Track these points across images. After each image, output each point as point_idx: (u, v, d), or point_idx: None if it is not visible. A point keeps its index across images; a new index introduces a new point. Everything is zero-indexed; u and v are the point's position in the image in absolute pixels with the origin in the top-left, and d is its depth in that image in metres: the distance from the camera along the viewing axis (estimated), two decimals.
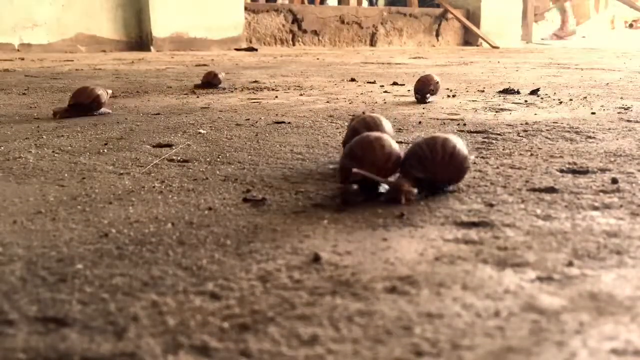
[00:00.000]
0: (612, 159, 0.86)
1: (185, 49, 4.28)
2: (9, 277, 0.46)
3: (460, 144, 0.69)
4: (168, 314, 0.40)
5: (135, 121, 1.22)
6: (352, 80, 2.15)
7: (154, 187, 0.72)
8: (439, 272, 0.47)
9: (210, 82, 1.86)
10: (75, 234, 0.56)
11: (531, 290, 0.43)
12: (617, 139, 1.01)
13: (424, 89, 1.52)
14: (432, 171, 0.67)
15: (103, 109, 1.28)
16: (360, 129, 0.80)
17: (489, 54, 4.34)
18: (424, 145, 0.67)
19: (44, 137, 1.04)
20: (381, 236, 0.55)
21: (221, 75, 1.88)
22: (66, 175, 0.78)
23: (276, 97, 1.65)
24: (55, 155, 0.90)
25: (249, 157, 0.89)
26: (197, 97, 1.64)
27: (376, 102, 1.52)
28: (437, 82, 1.55)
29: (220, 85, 1.86)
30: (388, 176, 0.68)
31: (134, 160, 0.86)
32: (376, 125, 0.81)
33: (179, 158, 0.88)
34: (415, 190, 0.65)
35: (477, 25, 5.98)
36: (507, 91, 1.73)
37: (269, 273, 0.46)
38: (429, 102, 1.51)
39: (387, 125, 0.82)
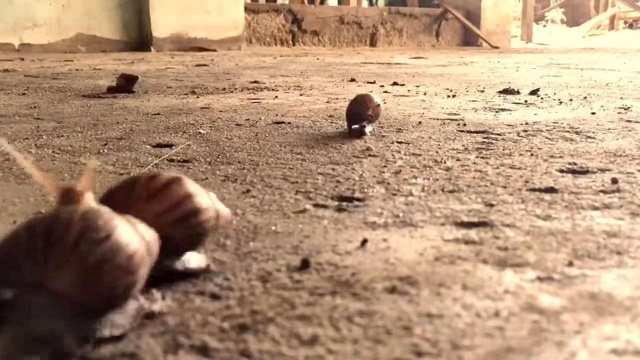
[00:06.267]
0: (612, 159, 0.86)
1: (185, 49, 4.28)
2: None
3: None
4: (168, 314, 0.40)
5: (135, 121, 1.22)
6: (352, 80, 2.15)
7: None
8: (439, 272, 0.47)
9: (124, 86, 1.70)
10: None
11: (531, 290, 0.43)
12: (617, 139, 1.01)
13: (361, 114, 1.05)
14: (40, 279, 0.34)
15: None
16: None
17: (489, 54, 4.34)
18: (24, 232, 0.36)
19: (44, 137, 1.04)
20: (381, 236, 0.55)
21: (138, 79, 1.73)
22: (66, 175, 0.78)
23: (276, 97, 1.65)
24: (55, 155, 0.90)
25: (249, 157, 0.89)
26: (197, 97, 1.64)
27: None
28: (378, 105, 1.10)
29: (134, 89, 1.70)
30: None
31: (134, 160, 0.86)
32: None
33: (179, 158, 0.88)
34: None
35: (477, 25, 5.98)
36: (507, 91, 1.73)
37: (269, 273, 0.46)
38: (365, 135, 1.04)
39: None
